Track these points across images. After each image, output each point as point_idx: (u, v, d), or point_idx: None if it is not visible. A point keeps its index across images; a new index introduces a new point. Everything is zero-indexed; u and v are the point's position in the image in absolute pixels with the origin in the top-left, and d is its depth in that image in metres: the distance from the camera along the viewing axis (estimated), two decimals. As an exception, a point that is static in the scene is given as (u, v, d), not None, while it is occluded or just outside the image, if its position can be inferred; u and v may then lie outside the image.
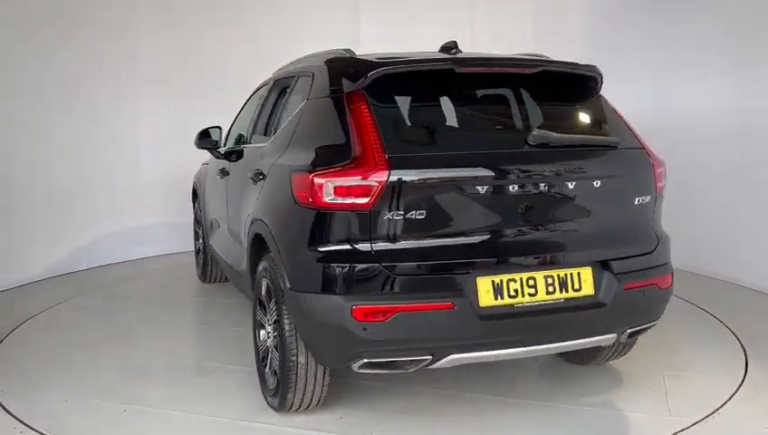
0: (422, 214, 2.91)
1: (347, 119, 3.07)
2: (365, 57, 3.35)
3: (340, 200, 2.91)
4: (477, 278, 2.96)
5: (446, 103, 3.30)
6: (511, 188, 3.03)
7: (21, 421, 3.45)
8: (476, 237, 3.03)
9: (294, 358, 3.21)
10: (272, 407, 3.48)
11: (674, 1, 6.34)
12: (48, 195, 6.37)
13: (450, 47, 3.53)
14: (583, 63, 3.53)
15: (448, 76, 3.19)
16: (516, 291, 3.02)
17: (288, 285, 3.12)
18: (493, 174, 3.01)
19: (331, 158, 3.04)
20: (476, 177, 2.98)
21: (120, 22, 6.80)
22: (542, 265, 3.09)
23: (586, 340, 3.25)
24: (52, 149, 6.37)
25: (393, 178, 2.86)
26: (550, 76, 3.41)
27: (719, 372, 4.02)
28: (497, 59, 3.49)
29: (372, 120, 3.00)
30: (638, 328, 3.36)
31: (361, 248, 2.91)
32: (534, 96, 3.50)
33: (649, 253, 3.33)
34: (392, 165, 2.88)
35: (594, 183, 3.17)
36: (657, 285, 3.31)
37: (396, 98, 3.24)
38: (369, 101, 3.08)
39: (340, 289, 2.91)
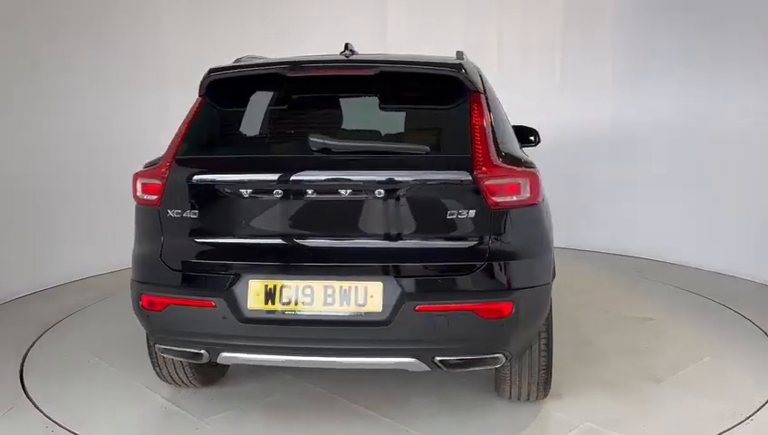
0: (195, 214, 3.05)
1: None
2: (243, 60, 3.53)
3: (146, 197, 3.20)
4: (249, 281, 2.98)
5: (270, 108, 3.34)
6: (286, 193, 2.96)
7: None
8: (250, 240, 3.06)
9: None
10: (167, 380, 3.88)
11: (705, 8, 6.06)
12: (74, 197, 6.24)
13: (344, 49, 3.50)
14: (446, 63, 3.20)
15: (284, 80, 3.22)
16: (290, 298, 2.95)
17: None
18: (264, 179, 3.00)
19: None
20: (246, 180, 3.00)
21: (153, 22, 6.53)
22: (324, 275, 2.95)
23: (376, 360, 3.04)
24: (80, 151, 6.19)
25: (172, 177, 3.07)
26: (406, 77, 3.19)
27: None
28: (332, 61, 3.32)
29: (188, 122, 3.23)
30: (452, 359, 2.95)
31: (154, 242, 3.16)
32: (387, 98, 3.27)
33: (465, 274, 2.89)
34: (174, 166, 3.08)
35: (380, 192, 2.90)
36: (474, 312, 2.86)
37: (227, 102, 3.38)
38: (206, 103, 3.30)
39: (138, 277, 3.22)
